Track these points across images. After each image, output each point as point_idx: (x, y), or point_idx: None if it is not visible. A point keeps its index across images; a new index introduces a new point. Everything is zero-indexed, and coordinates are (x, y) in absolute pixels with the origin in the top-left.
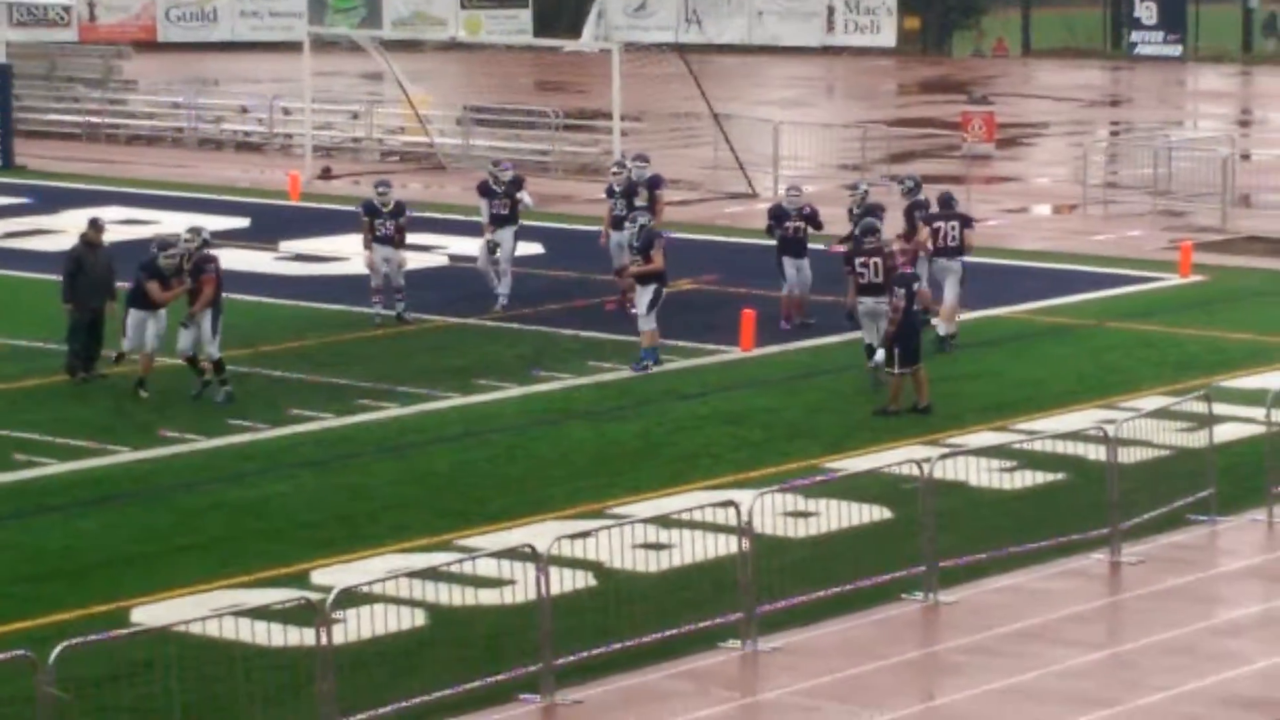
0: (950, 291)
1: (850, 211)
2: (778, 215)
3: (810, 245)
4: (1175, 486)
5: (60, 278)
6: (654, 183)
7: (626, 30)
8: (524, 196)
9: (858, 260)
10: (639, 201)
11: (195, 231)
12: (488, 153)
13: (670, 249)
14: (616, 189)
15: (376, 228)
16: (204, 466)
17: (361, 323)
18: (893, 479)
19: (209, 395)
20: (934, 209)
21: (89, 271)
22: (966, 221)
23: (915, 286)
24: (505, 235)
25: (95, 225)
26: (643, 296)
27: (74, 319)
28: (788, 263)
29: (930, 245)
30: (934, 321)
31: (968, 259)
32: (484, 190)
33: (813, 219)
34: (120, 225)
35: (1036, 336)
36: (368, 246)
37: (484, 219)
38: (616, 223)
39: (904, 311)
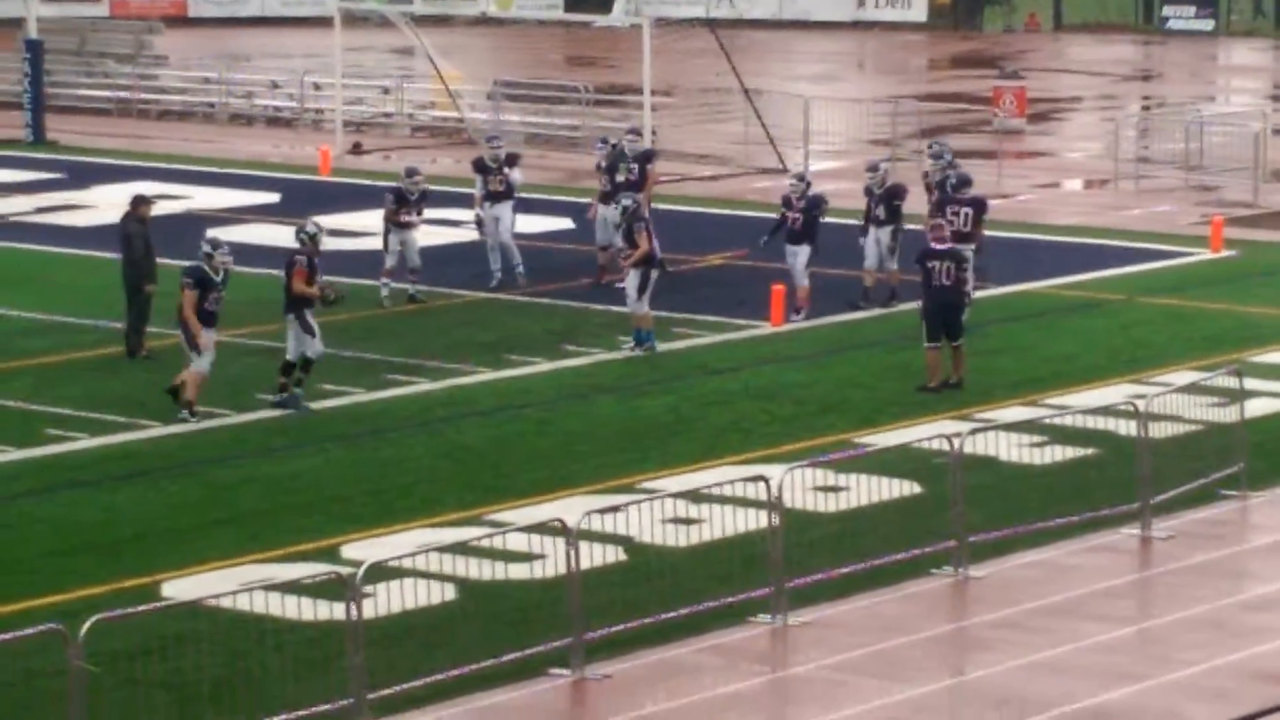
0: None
1: (870, 191)
2: (784, 203)
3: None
4: (1206, 462)
5: (120, 256)
6: (645, 157)
7: (657, 5)
8: (513, 174)
9: (949, 209)
10: (619, 177)
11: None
12: (518, 128)
13: (699, 224)
14: (602, 164)
15: (400, 214)
16: (235, 441)
17: (393, 297)
18: (923, 454)
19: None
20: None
21: (150, 248)
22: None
23: (966, 264)
24: (503, 210)
25: (147, 201)
26: (632, 279)
27: (145, 297)
28: (788, 250)
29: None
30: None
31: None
32: (479, 166)
33: (810, 211)
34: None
35: (1067, 311)
36: (388, 230)
37: (477, 193)
38: (604, 198)
39: (943, 288)
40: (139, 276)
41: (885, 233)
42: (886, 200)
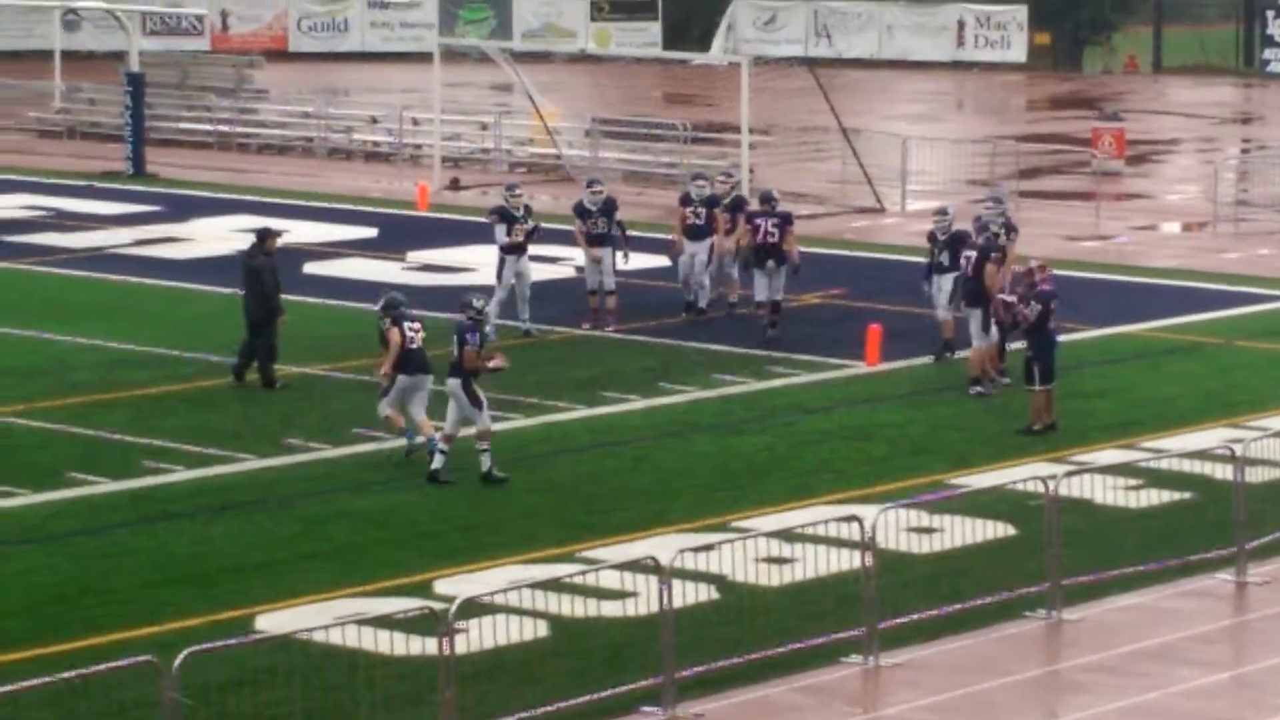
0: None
1: (933, 237)
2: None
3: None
4: None
5: (244, 289)
6: (711, 201)
7: (756, 44)
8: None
9: None
10: (689, 221)
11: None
12: (616, 165)
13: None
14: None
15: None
16: (329, 475)
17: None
18: (1017, 496)
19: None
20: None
21: (277, 281)
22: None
23: (1054, 304)
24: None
25: (274, 234)
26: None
27: (274, 328)
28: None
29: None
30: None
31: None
32: (579, 211)
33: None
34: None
35: (1164, 354)
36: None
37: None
38: (690, 232)
39: (1042, 329)
40: (269, 310)
41: (947, 279)
42: (951, 246)
